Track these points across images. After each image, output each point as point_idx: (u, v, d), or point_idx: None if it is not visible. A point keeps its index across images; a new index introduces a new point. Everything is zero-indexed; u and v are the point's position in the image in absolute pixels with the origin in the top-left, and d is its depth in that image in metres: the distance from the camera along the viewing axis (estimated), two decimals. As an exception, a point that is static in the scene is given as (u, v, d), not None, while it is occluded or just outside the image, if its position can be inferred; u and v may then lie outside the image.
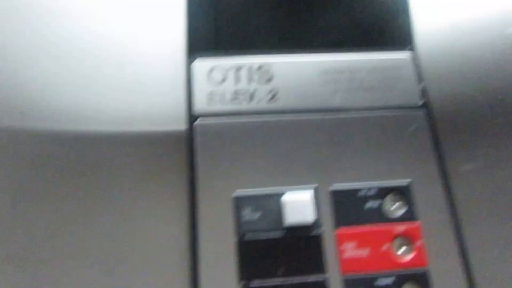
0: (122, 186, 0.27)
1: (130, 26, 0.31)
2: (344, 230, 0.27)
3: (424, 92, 0.31)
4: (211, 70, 0.31)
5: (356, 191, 0.28)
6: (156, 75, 0.30)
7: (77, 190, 0.27)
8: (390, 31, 0.32)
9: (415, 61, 0.32)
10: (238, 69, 0.31)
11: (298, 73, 0.31)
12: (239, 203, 0.27)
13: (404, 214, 0.28)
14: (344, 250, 0.27)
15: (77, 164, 0.27)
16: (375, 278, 0.26)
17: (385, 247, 0.27)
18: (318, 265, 0.26)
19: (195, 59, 0.31)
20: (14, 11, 0.31)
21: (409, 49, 0.32)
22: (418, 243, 0.27)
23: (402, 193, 0.28)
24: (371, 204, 0.28)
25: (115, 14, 0.31)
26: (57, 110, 0.29)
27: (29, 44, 0.30)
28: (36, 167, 0.27)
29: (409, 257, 0.27)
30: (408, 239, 0.27)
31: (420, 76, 0.31)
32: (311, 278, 0.26)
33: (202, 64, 0.31)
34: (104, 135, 0.28)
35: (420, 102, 0.31)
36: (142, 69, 0.30)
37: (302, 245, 0.27)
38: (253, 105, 0.30)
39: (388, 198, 0.28)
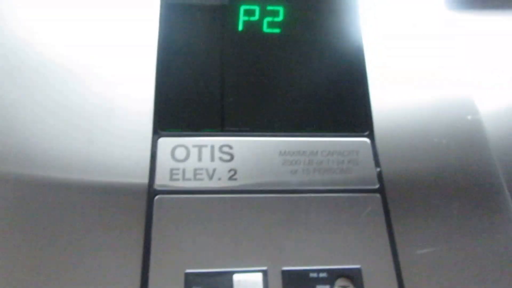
0: (83, 234, 0.28)
1: (106, 99, 0.33)
2: (293, 312, 0.27)
3: (380, 176, 0.32)
4: (175, 148, 0.32)
5: (307, 273, 0.28)
6: (125, 146, 0.31)
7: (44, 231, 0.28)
8: (349, 116, 0.34)
9: (373, 145, 0.33)
10: (201, 148, 0.32)
11: (258, 153, 0.32)
12: (191, 280, 0.28)
13: (354, 299, 0.28)
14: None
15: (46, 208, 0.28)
16: None
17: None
18: None
19: (160, 136, 0.32)
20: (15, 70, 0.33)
21: (367, 134, 0.33)
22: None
23: (353, 277, 0.28)
24: (321, 287, 0.28)
25: (95, 86, 0.33)
26: (38, 157, 0.30)
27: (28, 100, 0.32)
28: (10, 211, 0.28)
29: None
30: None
31: (377, 160, 0.32)
32: None
33: (167, 142, 0.32)
34: (72, 182, 0.29)
35: (376, 186, 0.32)
36: (114, 139, 0.32)
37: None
38: (213, 183, 0.31)
39: (339, 282, 0.28)
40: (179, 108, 0.33)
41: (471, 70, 0.37)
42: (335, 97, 0.34)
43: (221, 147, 0.32)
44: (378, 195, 0.31)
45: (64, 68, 0.33)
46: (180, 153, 0.32)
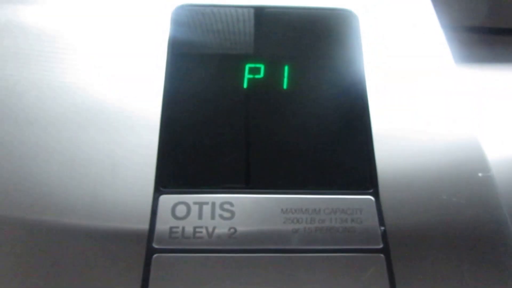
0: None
1: (110, 152, 0.33)
2: None
3: (384, 235, 0.31)
4: (175, 205, 0.32)
5: None
6: (126, 203, 0.31)
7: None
8: (353, 173, 0.33)
9: (377, 203, 0.32)
10: (202, 205, 0.32)
11: (259, 211, 0.32)
12: None
13: None
14: None
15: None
16: None
17: None
18: None
19: (161, 194, 0.32)
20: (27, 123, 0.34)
21: (372, 192, 0.32)
22: None
23: None
24: None
25: (99, 139, 0.34)
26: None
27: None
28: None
29: None
30: None
31: (381, 219, 0.31)
32: None
33: (168, 199, 0.32)
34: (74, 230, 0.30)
35: (380, 246, 0.30)
36: (116, 194, 0.32)
37: None
38: (212, 242, 0.31)
39: None
40: (181, 165, 0.33)
41: (482, 125, 0.36)
42: (339, 153, 0.34)
43: (221, 204, 0.32)
44: (382, 255, 0.30)
45: (72, 120, 0.34)
46: (181, 210, 0.32)
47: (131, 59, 0.37)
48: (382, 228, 0.31)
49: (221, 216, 0.31)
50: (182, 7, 0.40)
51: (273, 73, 0.37)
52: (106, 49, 0.38)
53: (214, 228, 0.31)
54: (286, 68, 0.37)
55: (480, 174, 0.33)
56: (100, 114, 0.34)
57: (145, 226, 0.31)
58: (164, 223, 0.31)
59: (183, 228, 0.31)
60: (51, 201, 0.31)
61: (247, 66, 0.37)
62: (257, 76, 0.37)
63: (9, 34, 0.38)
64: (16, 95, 0.35)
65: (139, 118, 0.34)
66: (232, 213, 0.31)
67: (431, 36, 0.40)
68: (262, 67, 0.37)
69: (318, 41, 0.39)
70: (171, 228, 0.31)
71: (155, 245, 0.30)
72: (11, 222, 0.30)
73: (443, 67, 0.38)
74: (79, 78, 0.36)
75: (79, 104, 0.35)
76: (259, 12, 0.40)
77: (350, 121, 0.35)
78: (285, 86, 0.36)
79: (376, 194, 0.32)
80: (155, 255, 0.30)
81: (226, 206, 0.32)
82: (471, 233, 0.31)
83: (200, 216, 0.31)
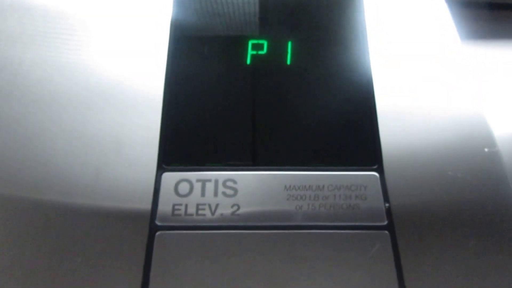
0: (81, 264, 0.29)
1: (114, 130, 0.33)
2: None
3: (389, 212, 0.30)
4: (178, 183, 0.32)
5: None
6: (130, 180, 0.31)
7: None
8: (357, 150, 0.33)
9: (382, 180, 0.31)
10: (204, 182, 0.32)
11: (262, 188, 0.31)
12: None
13: None
14: None
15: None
16: None
17: None
18: None
19: (164, 171, 0.32)
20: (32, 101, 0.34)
21: (376, 168, 0.32)
22: None
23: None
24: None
25: (103, 117, 0.34)
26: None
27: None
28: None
29: None
30: None
31: (385, 196, 0.31)
32: None
33: (171, 176, 0.32)
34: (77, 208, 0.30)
35: (385, 222, 0.30)
36: (120, 171, 0.32)
37: None
38: (215, 219, 0.30)
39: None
40: (184, 142, 0.33)
41: (487, 102, 0.35)
42: (342, 130, 0.34)
43: (224, 181, 0.32)
44: (386, 232, 0.30)
45: (76, 99, 0.34)
46: (183, 188, 0.31)
47: (134, 39, 0.37)
48: (387, 204, 0.31)
49: (224, 193, 0.31)
50: None
51: (277, 49, 0.36)
52: (109, 30, 0.37)
53: (217, 205, 0.31)
54: (289, 44, 0.36)
55: (486, 149, 0.32)
56: (103, 93, 0.34)
57: (148, 204, 0.31)
58: (167, 201, 0.31)
59: (186, 205, 0.31)
60: (55, 179, 0.31)
61: (250, 43, 0.36)
62: (260, 52, 0.36)
63: (14, 14, 0.37)
64: (21, 75, 0.35)
65: (142, 97, 0.34)
66: (235, 190, 0.31)
67: (436, 12, 0.39)
68: (265, 43, 0.36)
69: (322, 18, 0.38)
70: (174, 205, 0.31)
71: (158, 223, 0.30)
72: (15, 200, 0.30)
73: (448, 43, 0.37)
74: (83, 58, 0.36)
75: (82, 83, 0.34)
76: None
77: (354, 97, 0.35)
78: (288, 62, 0.36)
79: (380, 171, 0.32)
80: (158, 233, 0.30)
81: (229, 184, 0.31)
82: (476, 209, 0.31)
83: (203, 194, 0.31)
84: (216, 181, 0.32)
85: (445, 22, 0.39)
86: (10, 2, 0.38)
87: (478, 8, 0.49)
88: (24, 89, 0.34)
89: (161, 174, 0.32)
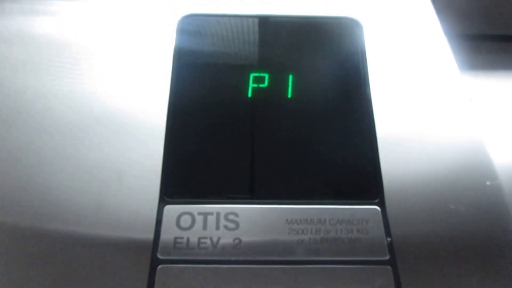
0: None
1: (117, 161, 0.33)
2: None
3: (391, 247, 0.30)
4: (180, 215, 0.32)
5: None
6: (131, 212, 0.31)
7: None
8: (358, 183, 0.33)
9: (383, 214, 0.31)
10: (206, 215, 0.32)
11: (264, 221, 0.31)
12: None
13: None
14: None
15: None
16: None
17: None
18: None
19: (166, 203, 0.32)
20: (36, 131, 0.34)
21: (377, 202, 0.32)
22: None
23: None
24: None
25: (106, 148, 0.34)
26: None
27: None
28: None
29: None
30: None
31: (387, 230, 0.31)
32: None
33: (173, 209, 0.32)
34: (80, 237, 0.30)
35: (387, 257, 0.30)
36: (122, 204, 0.32)
37: None
38: (217, 253, 0.30)
39: None
40: (186, 175, 0.33)
41: (488, 133, 0.36)
42: (344, 163, 0.34)
43: (226, 214, 0.32)
44: (389, 267, 0.30)
45: (79, 129, 0.34)
46: (185, 221, 0.31)
47: (137, 68, 0.37)
48: (389, 239, 0.31)
49: (225, 227, 0.31)
50: (188, 16, 0.40)
51: (278, 82, 0.37)
52: (113, 59, 0.38)
53: (218, 238, 0.31)
54: (290, 77, 0.37)
55: (487, 183, 0.33)
56: (106, 123, 0.34)
57: (150, 236, 0.31)
58: (168, 234, 0.31)
59: (188, 238, 0.31)
60: (57, 209, 0.31)
61: (252, 75, 0.37)
62: (261, 85, 0.37)
63: (19, 43, 0.38)
64: (25, 103, 0.35)
65: (144, 127, 0.34)
66: (237, 224, 0.31)
67: (435, 44, 0.40)
68: (266, 76, 0.37)
69: (323, 50, 0.39)
70: (175, 238, 0.31)
71: (159, 256, 0.30)
72: (18, 229, 0.31)
73: (448, 74, 0.38)
74: (86, 87, 0.36)
75: (85, 113, 0.35)
76: (264, 22, 0.40)
77: (355, 130, 0.35)
78: (289, 95, 0.36)
79: (382, 204, 0.32)
80: (159, 266, 0.30)
81: (231, 217, 0.32)
82: (479, 243, 0.31)
83: (204, 227, 0.31)
84: (218, 214, 0.32)
85: (444, 54, 0.39)
86: (15, 30, 0.39)
87: (478, 40, 0.49)
88: (27, 118, 0.35)
89: (163, 207, 0.32)
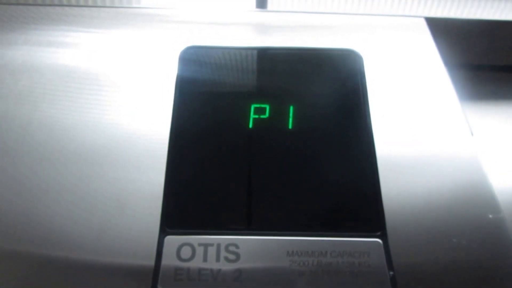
0: None
1: (118, 191, 0.33)
2: None
3: (393, 281, 0.30)
4: (181, 247, 0.31)
5: None
6: (132, 243, 0.31)
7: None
8: (360, 216, 0.33)
9: (385, 247, 0.31)
10: (207, 247, 0.31)
11: (265, 253, 0.31)
12: None
13: None
14: None
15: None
16: None
17: None
18: None
19: (167, 234, 0.32)
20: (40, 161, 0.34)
21: (379, 235, 0.32)
22: None
23: None
24: None
25: (108, 177, 0.34)
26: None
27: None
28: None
29: None
30: None
31: (389, 263, 0.31)
32: None
33: (173, 240, 0.32)
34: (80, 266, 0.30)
35: (389, 291, 0.30)
36: (123, 234, 0.32)
37: None
38: (218, 285, 0.30)
39: None
40: (187, 206, 0.33)
41: (490, 165, 0.35)
42: (345, 195, 0.34)
43: (227, 246, 0.31)
44: (391, 301, 0.29)
45: (81, 159, 0.34)
46: (186, 252, 0.31)
47: (140, 99, 0.38)
48: (391, 273, 0.30)
49: (226, 259, 0.31)
50: (190, 48, 0.40)
51: (278, 113, 0.37)
52: (116, 89, 0.38)
53: (219, 270, 0.30)
54: (291, 108, 0.37)
55: (490, 216, 0.32)
56: (108, 153, 0.35)
57: (150, 267, 0.31)
58: (169, 265, 0.31)
59: (188, 270, 0.30)
60: (59, 238, 0.31)
61: (253, 106, 0.37)
62: (262, 116, 0.37)
63: (24, 74, 0.39)
64: (29, 134, 0.35)
65: (146, 158, 0.35)
66: (237, 256, 0.31)
67: (435, 74, 0.40)
68: (267, 107, 0.37)
69: (323, 81, 0.39)
70: (176, 270, 0.30)
71: (160, 287, 0.30)
72: (21, 256, 0.31)
73: (448, 105, 0.38)
74: (89, 118, 0.36)
75: (88, 143, 0.35)
76: (265, 54, 0.41)
77: (356, 161, 0.35)
78: (290, 126, 0.36)
79: (384, 237, 0.32)
80: (160, 299, 0.29)
81: (231, 248, 0.31)
82: (482, 277, 0.30)
83: (205, 258, 0.31)
84: (218, 246, 0.31)
85: (444, 84, 0.39)
86: (20, 61, 0.39)
87: (479, 70, 0.50)
88: (31, 148, 0.35)
89: (164, 237, 0.32)
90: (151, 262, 0.31)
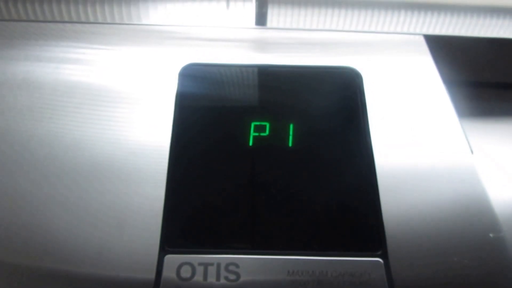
0: None
1: (117, 210, 0.33)
2: None
3: (394, 301, 0.30)
4: (180, 266, 0.31)
5: None
6: (132, 261, 0.31)
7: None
8: (361, 235, 0.33)
9: (386, 266, 0.31)
10: (207, 266, 0.31)
11: (265, 272, 0.31)
12: None
13: None
14: None
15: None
16: None
17: None
18: None
19: (167, 253, 0.32)
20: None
21: (380, 254, 0.32)
22: None
23: None
24: None
25: (108, 194, 0.34)
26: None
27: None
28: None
29: None
30: None
31: (390, 283, 0.30)
32: None
33: (173, 259, 0.31)
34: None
35: (390, 311, 0.29)
36: (122, 253, 0.32)
37: None
38: (218, 305, 0.30)
39: None
40: (187, 224, 0.33)
41: (490, 183, 0.36)
42: (345, 214, 0.34)
43: (227, 265, 0.31)
44: (392, 321, 0.29)
45: (81, 176, 0.34)
46: (186, 271, 0.31)
47: (139, 116, 0.38)
48: (392, 291, 0.30)
49: (226, 278, 0.31)
50: (190, 65, 0.41)
51: (278, 131, 0.37)
52: (116, 106, 0.38)
53: (219, 290, 0.30)
54: (291, 126, 0.37)
55: (491, 235, 0.32)
56: (108, 170, 0.35)
57: (150, 286, 0.30)
58: (169, 284, 0.30)
59: (189, 289, 0.30)
60: (58, 257, 0.31)
61: (253, 124, 0.37)
62: (262, 134, 0.37)
63: (25, 91, 0.39)
64: (29, 151, 0.35)
65: (146, 176, 0.35)
66: (238, 275, 0.31)
67: (434, 92, 0.40)
68: (267, 125, 0.37)
69: (323, 99, 0.39)
70: (176, 289, 0.30)
71: (160, 308, 0.30)
72: (21, 269, 0.31)
73: (447, 122, 0.38)
74: (89, 134, 0.36)
75: (88, 161, 0.35)
76: (264, 72, 0.41)
77: (356, 180, 0.35)
78: (290, 144, 0.36)
79: (385, 256, 0.31)
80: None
81: (232, 268, 0.31)
82: (484, 297, 0.30)
83: (205, 278, 0.31)
84: (219, 265, 0.31)
85: (443, 102, 0.39)
86: (22, 78, 0.40)
87: (478, 87, 0.50)
88: (31, 166, 0.35)
89: (164, 256, 0.32)
90: (151, 281, 0.30)
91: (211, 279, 0.31)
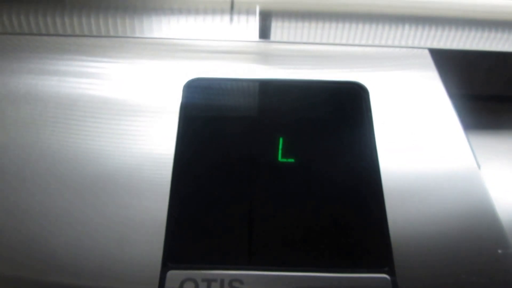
0: None
1: (119, 225, 0.33)
2: None
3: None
4: (183, 282, 0.31)
5: None
6: (134, 277, 0.31)
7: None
8: (367, 251, 0.32)
9: (393, 283, 0.30)
10: (210, 282, 0.31)
11: (270, 289, 0.30)
12: None
13: None
14: None
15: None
16: None
17: None
18: None
19: (169, 269, 0.31)
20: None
21: (387, 270, 0.31)
22: None
23: None
24: None
25: (109, 210, 0.33)
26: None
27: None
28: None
29: None
30: None
31: (398, 300, 0.30)
32: None
33: (176, 275, 0.31)
34: None
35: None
36: (124, 269, 0.31)
37: None
38: (221, 323, 0.29)
39: None
40: (190, 240, 0.32)
41: (497, 198, 0.35)
42: (351, 230, 0.33)
43: (231, 281, 0.31)
44: None
45: (83, 190, 0.34)
46: (189, 287, 0.30)
47: (143, 130, 0.37)
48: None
49: (230, 294, 0.30)
50: (194, 80, 0.41)
51: (282, 145, 0.37)
52: (119, 120, 0.38)
53: (223, 307, 0.30)
54: (296, 140, 0.37)
55: (499, 251, 0.32)
56: (111, 184, 0.34)
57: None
58: (172, 302, 0.30)
59: (191, 307, 0.30)
60: (59, 272, 0.31)
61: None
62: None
63: (28, 104, 0.38)
64: (31, 164, 0.35)
65: (148, 191, 0.34)
66: (242, 292, 0.30)
67: (439, 105, 0.40)
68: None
69: (328, 114, 0.39)
70: (179, 306, 0.30)
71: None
72: (22, 282, 0.30)
73: (454, 137, 0.38)
74: (92, 147, 0.36)
75: (90, 175, 0.35)
76: (268, 86, 0.41)
77: (362, 196, 0.34)
78: (293, 159, 0.36)
79: (391, 273, 0.31)
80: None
81: (236, 284, 0.31)
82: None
83: (208, 294, 0.30)
84: (222, 281, 0.31)
85: (448, 115, 0.39)
86: (25, 91, 0.39)
87: (485, 100, 0.50)
88: (33, 179, 0.34)
89: (166, 272, 0.31)
90: None
91: (215, 295, 0.30)
